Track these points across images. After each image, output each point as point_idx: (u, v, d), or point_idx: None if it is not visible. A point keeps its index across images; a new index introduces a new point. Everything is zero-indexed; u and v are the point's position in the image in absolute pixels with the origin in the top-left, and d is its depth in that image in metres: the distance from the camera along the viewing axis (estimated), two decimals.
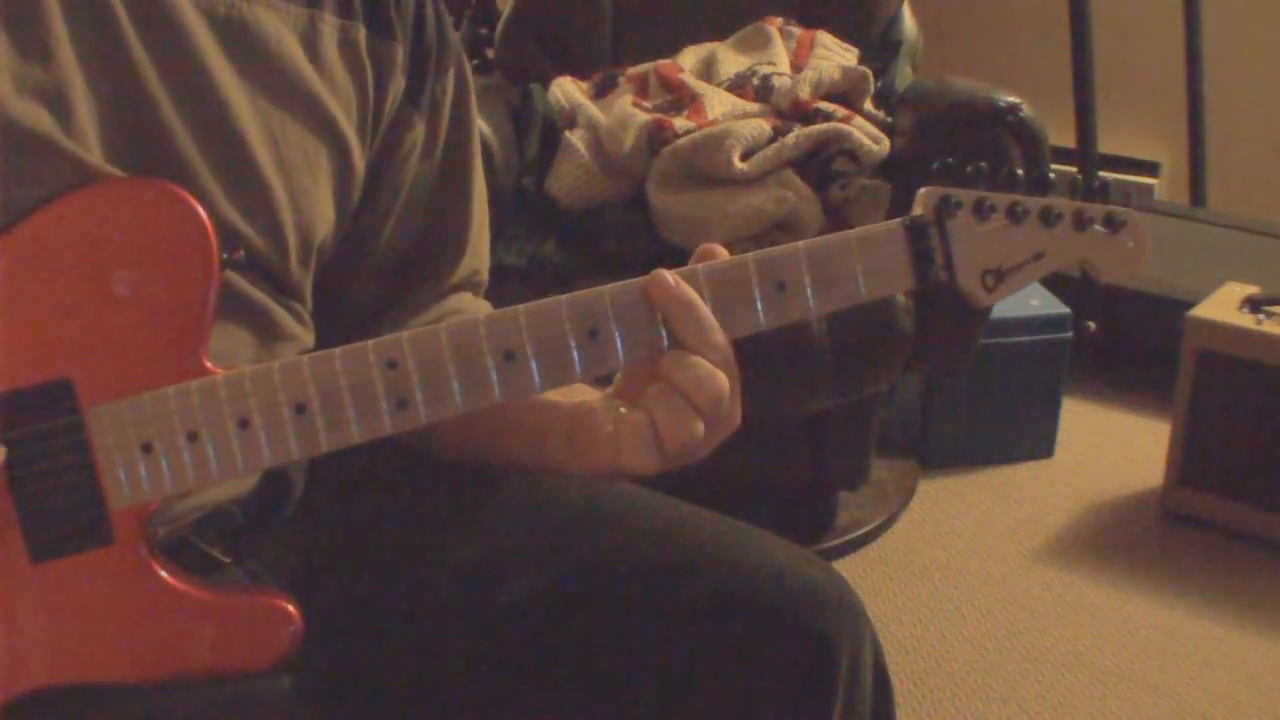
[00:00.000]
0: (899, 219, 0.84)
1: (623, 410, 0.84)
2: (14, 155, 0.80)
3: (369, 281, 1.02)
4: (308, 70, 0.93)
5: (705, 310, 0.82)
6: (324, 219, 0.96)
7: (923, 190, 0.84)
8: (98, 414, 0.80)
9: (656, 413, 0.82)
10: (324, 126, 0.94)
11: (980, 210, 0.84)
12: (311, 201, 0.94)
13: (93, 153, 0.83)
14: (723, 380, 0.82)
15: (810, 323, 1.92)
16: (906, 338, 1.98)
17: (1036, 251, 0.85)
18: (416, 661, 0.99)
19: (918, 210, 0.84)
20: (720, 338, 0.82)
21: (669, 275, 0.82)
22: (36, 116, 0.81)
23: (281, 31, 0.92)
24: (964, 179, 0.84)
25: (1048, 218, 0.85)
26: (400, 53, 0.98)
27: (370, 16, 0.97)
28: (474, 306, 1.07)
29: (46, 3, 0.82)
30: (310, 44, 0.94)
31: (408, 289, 1.04)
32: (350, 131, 0.96)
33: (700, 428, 0.82)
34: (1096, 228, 0.87)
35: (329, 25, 0.95)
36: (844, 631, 0.95)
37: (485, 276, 1.09)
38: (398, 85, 0.98)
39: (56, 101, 0.82)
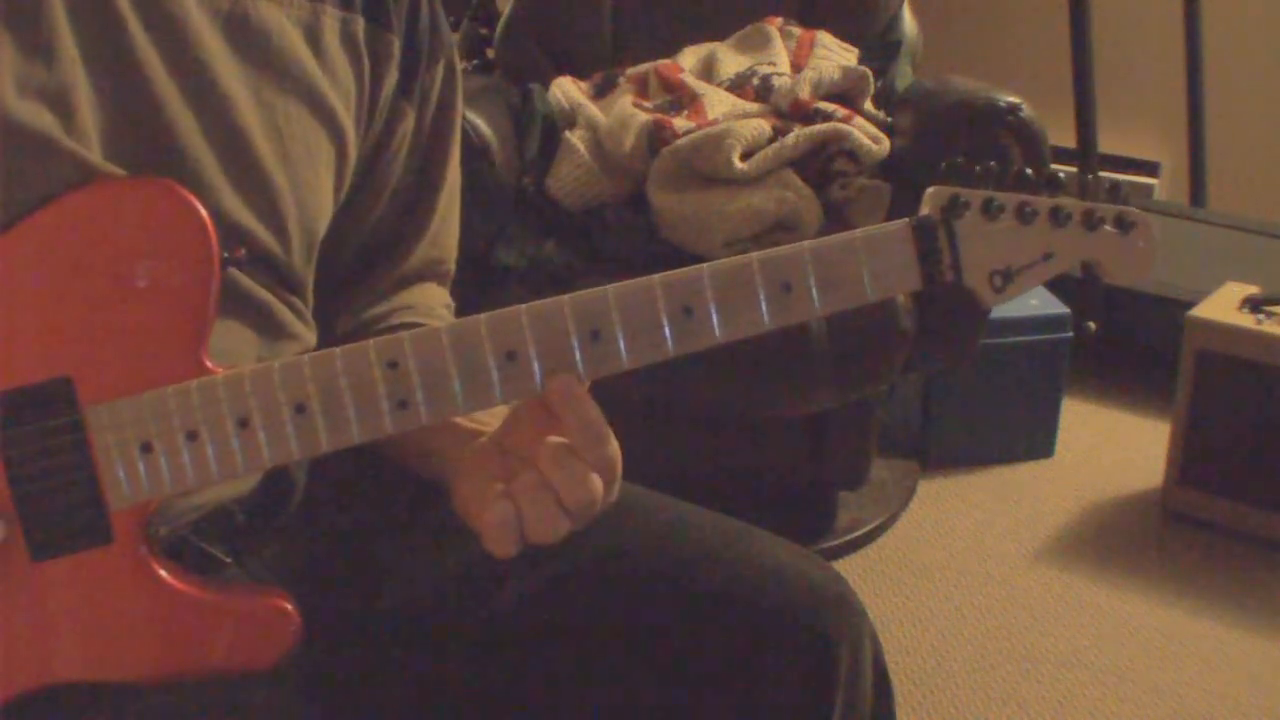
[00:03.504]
0: (906, 219, 0.83)
1: (499, 487, 0.82)
2: (16, 156, 0.80)
3: (335, 268, 1.02)
4: (310, 64, 0.93)
5: (597, 416, 0.81)
6: (325, 211, 0.96)
7: (930, 189, 0.83)
8: (97, 413, 0.79)
9: (525, 508, 0.80)
10: (326, 119, 0.94)
11: (989, 210, 0.83)
12: (314, 195, 0.94)
13: (95, 152, 0.83)
14: (597, 486, 0.81)
15: (810, 323, 1.91)
16: (906, 338, 1.97)
17: (1046, 252, 0.84)
18: (417, 661, 0.99)
19: (925, 210, 0.83)
20: (608, 449, 0.81)
21: (572, 379, 0.81)
22: (39, 117, 0.81)
23: (285, 25, 0.92)
24: (972, 178, 0.83)
25: (1057, 218, 0.84)
26: (396, 45, 0.98)
27: (369, 8, 0.97)
28: (434, 297, 1.07)
29: (51, 2, 0.82)
30: (313, 37, 0.94)
31: (366, 274, 1.03)
32: (349, 123, 0.96)
33: (566, 527, 0.81)
34: (1107, 228, 0.85)
35: (331, 17, 0.95)
36: (844, 631, 0.95)
37: (451, 267, 1.09)
38: (392, 78, 0.99)
39: (59, 102, 0.82)
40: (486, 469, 0.85)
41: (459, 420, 0.89)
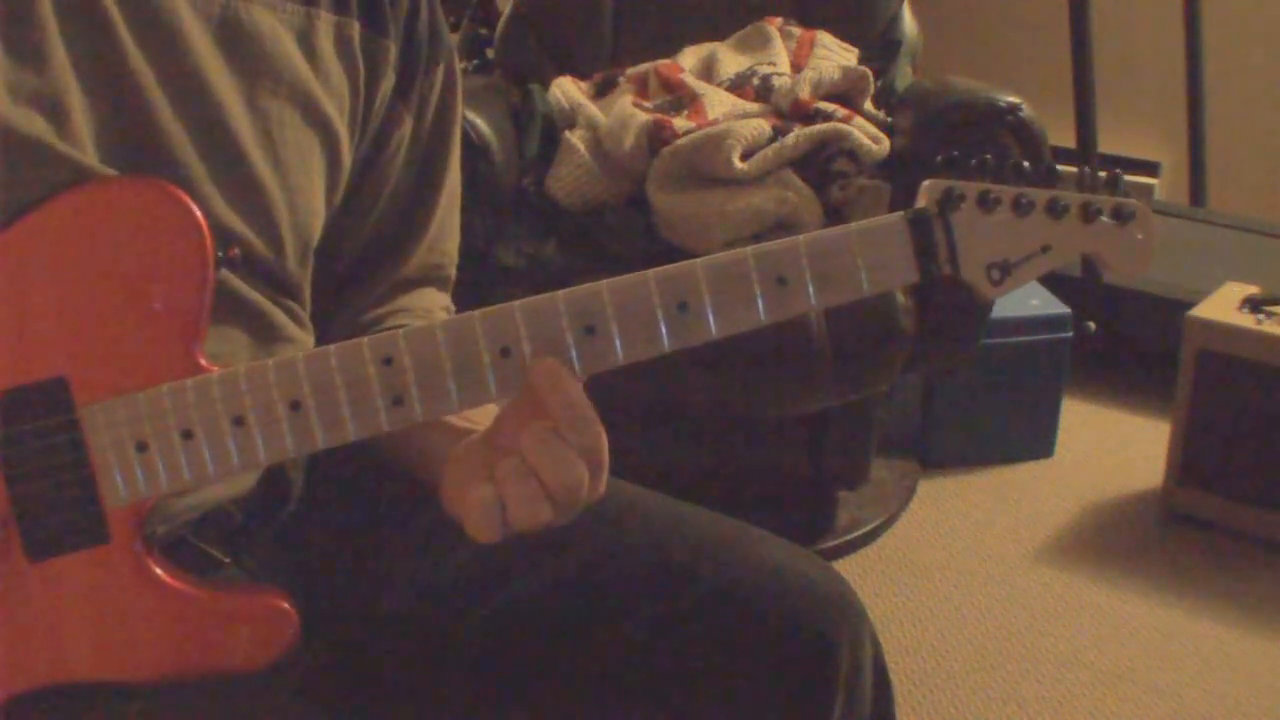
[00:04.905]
0: (901, 212, 0.83)
1: (483, 474, 0.81)
2: (10, 161, 0.80)
3: (333, 270, 1.02)
4: (304, 69, 0.93)
5: (582, 399, 0.80)
6: (318, 215, 0.96)
7: (926, 182, 0.83)
8: (93, 412, 0.79)
9: (508, 491, 0.79)
10: (319, 124, 0.94)
11: (985, 202, 0.82)
12: (307, 200, 0.94)
13: (89, 157, 0.83)
14: (581, 471, 0.79)
15: (810, 322, 1.91)
16: (906, 338, 1.97)
17: (1044, 244, 0.84)
18: (416, 661, 0.99)
19: (921, 203, 0.83)
20: (593, 434, 0.80)
21: (556, 362, 0.80)
22: (31, 122, 0.81)
23: (278, 30, 0.92)
24: (969, 171, 0.83)
25: (1054, 209, 0.83)
26: (392, 50, 0.98)
27: (365, 12, 0.96)
28: (433, 301, 1.07)
29: (41, 7, 0.82)
30: (307, 42, 0.93)
31: (364, 277, 1.03)
32: (342, 128, 0.95)
33: (548, 513, 0.80)
34: (1104, 219, 0.85)
35: (325, 22, 0.94)
36: (844, 631, 0.95)
37: (452, 272, 1.09)
38: (388, 82, 0.98)
39: (52, 107, 0.82)
40: (472, 463, 0.84)
41: (451, 420, 0.88)
